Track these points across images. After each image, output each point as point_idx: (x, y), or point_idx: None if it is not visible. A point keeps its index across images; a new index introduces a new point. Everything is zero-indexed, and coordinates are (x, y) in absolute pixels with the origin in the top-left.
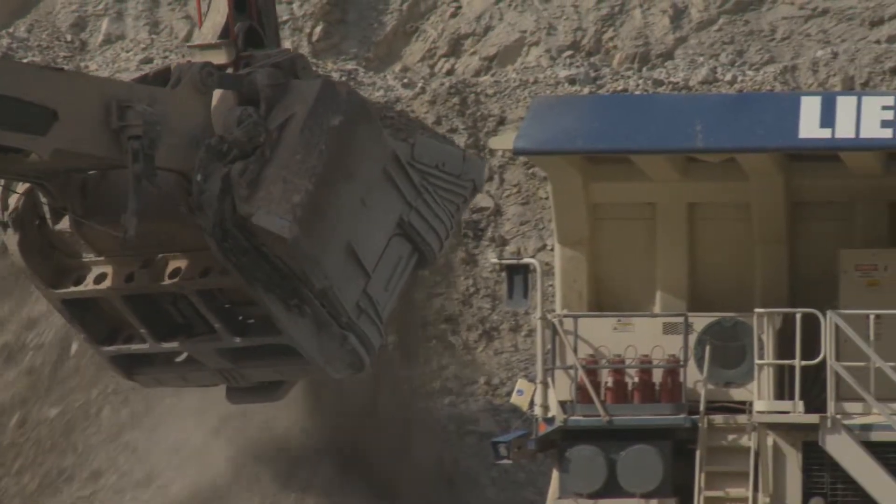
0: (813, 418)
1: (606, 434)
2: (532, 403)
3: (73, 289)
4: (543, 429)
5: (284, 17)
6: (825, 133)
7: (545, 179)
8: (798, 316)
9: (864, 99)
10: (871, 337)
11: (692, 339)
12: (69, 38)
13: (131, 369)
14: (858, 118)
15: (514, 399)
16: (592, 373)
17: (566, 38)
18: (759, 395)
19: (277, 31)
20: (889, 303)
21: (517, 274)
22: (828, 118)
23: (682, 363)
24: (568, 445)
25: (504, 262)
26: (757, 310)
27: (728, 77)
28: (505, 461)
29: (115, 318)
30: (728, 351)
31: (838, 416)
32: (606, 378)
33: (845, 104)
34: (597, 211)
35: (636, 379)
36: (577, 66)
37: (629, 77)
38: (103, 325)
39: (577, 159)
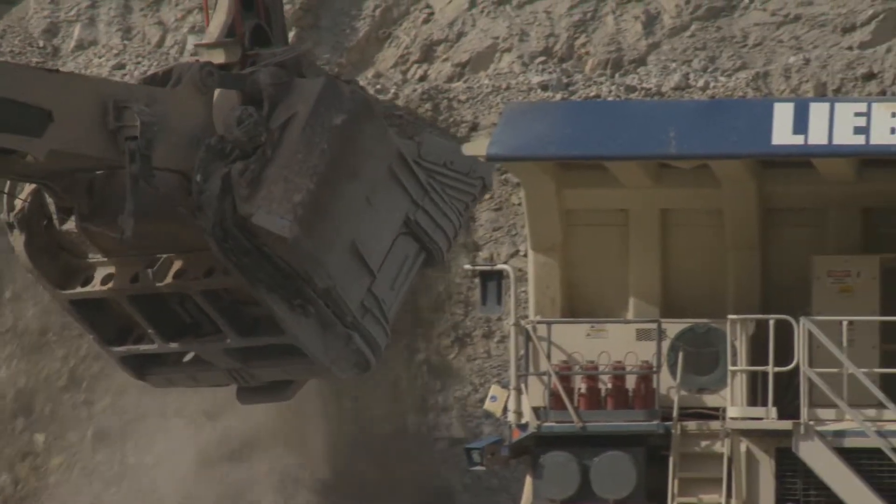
0: (786, 424)
1: (580, 440)
2: (506, 409)
3: (80, 290)
4: (517, 435)
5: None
6: (798, 139)
7: (518, 185)
8: (771, 322)
9: (837, 105)
10: (844, 343)
11: (665, 345)
12: (41, 43)
13: (142, 370)
14: (831, 125)
15: (488, 405)
16: (566, 379)
17: (538, 44)
18: (733, 402)
19: (285, 30)
20: (862, 309)
21: (490, 280)
22: (801, 125)
23: (655, 369)
24: (541, 451)
25: (478, 268)
26: (730, 316)
27: (700, 83)
28: (478, 467)
29: (125, 319)
30: (701, 357)
31: (811, 423)
32: (580, 384)
33: (818, 111)
34: (570, 217)
35: (609, 385)
36: (550, 73)
37: (602, 83)
38: (113, 325)
39: (549, 165)
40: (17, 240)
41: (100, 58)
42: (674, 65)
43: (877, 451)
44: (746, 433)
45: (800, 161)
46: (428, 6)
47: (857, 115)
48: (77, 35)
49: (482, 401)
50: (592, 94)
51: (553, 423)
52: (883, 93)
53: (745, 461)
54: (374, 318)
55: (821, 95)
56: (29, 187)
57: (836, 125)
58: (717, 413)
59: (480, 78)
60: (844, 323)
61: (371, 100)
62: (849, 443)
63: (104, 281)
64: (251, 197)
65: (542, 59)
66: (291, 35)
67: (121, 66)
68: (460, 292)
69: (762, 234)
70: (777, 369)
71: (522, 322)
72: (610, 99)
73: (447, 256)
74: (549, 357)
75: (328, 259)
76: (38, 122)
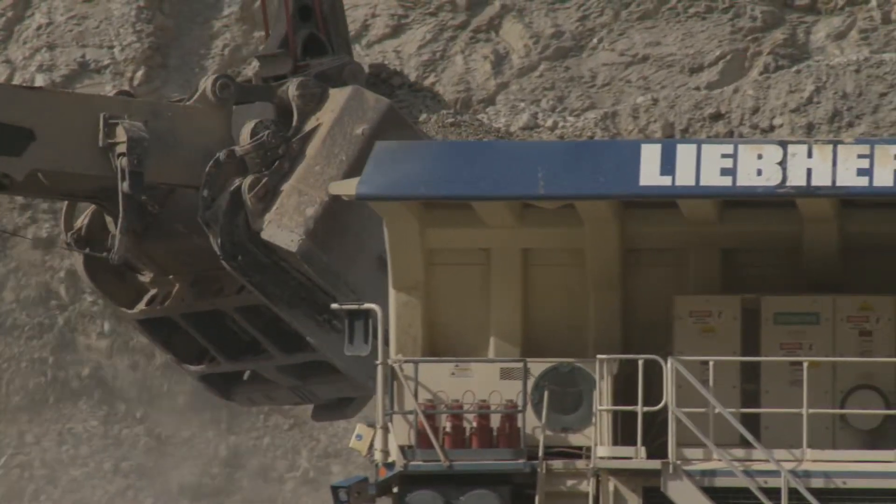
0: (655, 464)
1: (446, 479)
2: (371, 448)
3: (143, 308)
4: (384, 473)
5: (105, 62)
6: (666, 181)
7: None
8: (641, 362)
9: (704, 147)
10: (711, 383)
11: (529, 384)
12: None
13: (228, 389)
14: (698, 166)
15: (353, 444)
16: (431, 417)
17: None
18: (601, 441)
19: (347, 39)
20: (723, 349)
21: (358, 319)
22: (668, 166)
23: (520, 408)
24: (408, 490)
25: (345, 307)
26: (599, 356)
27: (549, 123)
28: None
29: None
30: (565, 396)
31: (679, 462)
32: (444, 423)
33: (685, 152)
34: (432, 256)
35: (474, 424)
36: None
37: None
38: (192, 344)
39: (413, 204)
40: (78, 260)
41: None
42: (522, 104)
43: (744, 490)
44: (614, 472)
45: (662, 202)
46: None
47: (724, 156)
48: None
49: (334, 438)
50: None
51: (420, 462)
52: (730, 133)
53: (612, 501)
54: None
55: (668, 136)
56: (89, 207)
57: (703, 167)
58: (580, 452)
59: None
60: (711, 363)
61: (394, 107)
62: (717, 482)
63: (164, 299)
64: (264, 211)
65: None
66: (140, 74)
67: None
68: None
69: (623, 273)
70: (647, 409)
71: (390, 361)
72: (457, 138)
73: None
74: (416, 396)
75: (350, 273)
76: (17, 141)
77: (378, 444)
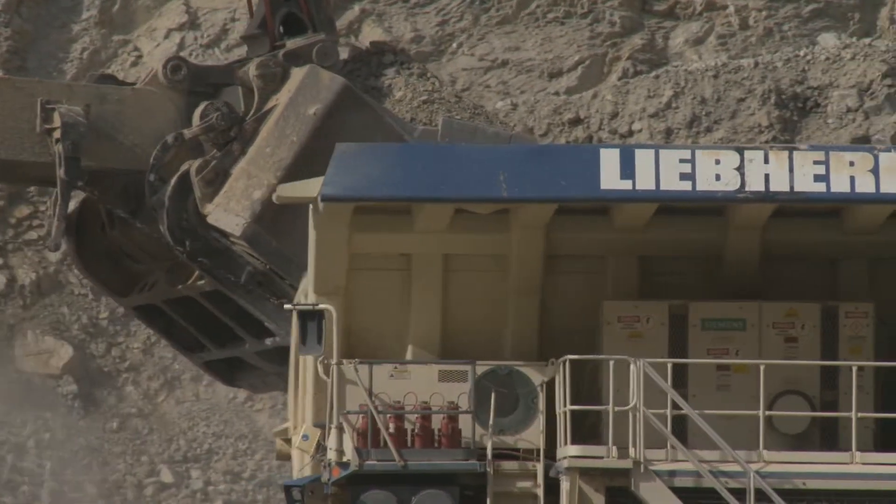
0: (626, 463)
1: (396, 478)
2: (318, 448)
3: (135, 296)
4: (337, 473)
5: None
6: (626, 185)
7: None
8: (611, 363)
9: (662, 152)
10: (669, 383)
11: (467, 386)
12: None
13: (231, 375)
14: (657, 171)
15: (300, 444)
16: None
17: None
18: (557, 442)
19: (331, 18)
20: (651, 353)
21: (311, 320)
22: (628, 170)
23: (466, 410)
24: (360, 490)
25: (298, 307)
26: (568, 356)
27: None
28: None
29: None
30: (504, 399)
31: (643, 462)
32: (388, 424)
33: (643, 157)
34: (353, 261)
35: (417, 425)
36: None
37: None
38: (189, 332)
39: (348, 209)
40: (70, 248)
41: None
42: None
43: (710, 491)
44: (580, 472)
45: (588, 208)
46: (136, 49)
47: (682, 161)
48: None
49: (192, 441)
50: None
51: (374, 462)
52: (590, 138)
53: (577, 501)
54: None
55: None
56: (80, 196)
57: (663, 171)
58: (518, 454)
59: None
60: (669, 365)
61: (351, 86)
62: (682, 482)
63: (151, 287)
64: (213, 195)
65: None
66: None
67: None
68: None
69: (543, 280)
70: (619, 409)
71: (346, 362)
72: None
73: None
74: (370, 396)
75: (303, 256)
76: None
77: (333, 444)
